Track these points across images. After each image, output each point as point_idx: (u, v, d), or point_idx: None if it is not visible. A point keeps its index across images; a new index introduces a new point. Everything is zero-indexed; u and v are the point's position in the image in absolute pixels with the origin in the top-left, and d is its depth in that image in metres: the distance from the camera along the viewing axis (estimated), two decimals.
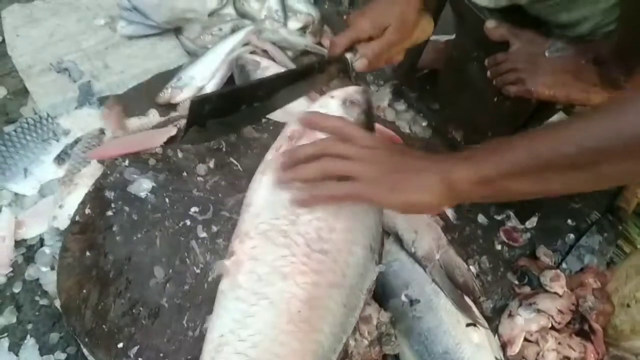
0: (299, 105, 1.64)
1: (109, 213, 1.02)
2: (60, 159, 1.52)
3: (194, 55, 1.77)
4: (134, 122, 1.53)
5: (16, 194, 1.49)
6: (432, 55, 1.77)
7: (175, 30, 1.82)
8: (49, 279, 1.38)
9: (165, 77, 1.71)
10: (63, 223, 1.36)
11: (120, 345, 0.90)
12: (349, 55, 1.07)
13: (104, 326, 0.92)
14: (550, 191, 0.85)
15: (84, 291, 0.95)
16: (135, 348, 0.90)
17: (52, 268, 1.38)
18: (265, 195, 0.93)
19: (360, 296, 0.96)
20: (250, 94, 1.01)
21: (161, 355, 0.90)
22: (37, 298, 1.38)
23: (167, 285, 0.96)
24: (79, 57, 1.73)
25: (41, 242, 1.43)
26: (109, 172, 1.07)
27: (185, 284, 0.96)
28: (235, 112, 1.00)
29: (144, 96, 1.68)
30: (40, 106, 1.62)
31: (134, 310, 0.93)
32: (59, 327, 1.35)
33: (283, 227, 0.90)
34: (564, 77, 1.34)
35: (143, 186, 1.04)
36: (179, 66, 1.76)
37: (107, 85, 1.70)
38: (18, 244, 1.43)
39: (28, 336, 1.33)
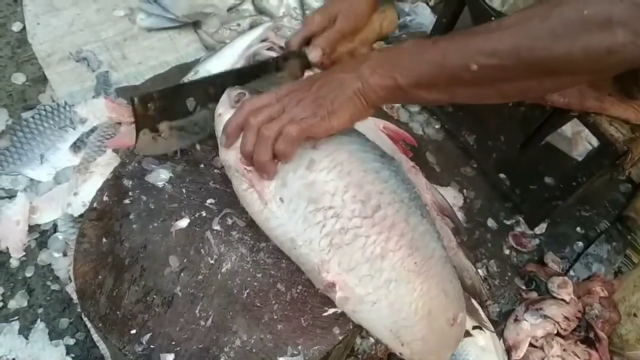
0: None
1: (127, 201, 1.03)
2: (76, 146, 1.54)
3: (211, 50, 1.78)
4: None
5: (31, 180, 1.51)
6: None
7: (194, 24, 1.83)
8: (61, 265, 1.40)
9: (182, 70, 1.73)
10: (77, 210, 1.38)
11: (133, 331, 0.91)
12: (307, 50, 1.06)
13: (117, 312, 0.93)
14: (457, 101, 0.92)
15: (100, 277, 0.95)
16: (148, 335, 0.91)
17: (65, 254, 1.41)
18: (293, 221, 0.92)
19: (415, 193, 1.00)
20: (201, 92, 0.96)
21: (173, 343, 0.91)
22: (48, 283, 1.40)
23: (181, 274, 0.96)
24: (97, 47, 1.75)
25: (54, 228, 1.45)
26: (127, 160, 1.08)
27: (199, 274, 0.97)
28: (187, 113, 0.96)
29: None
30: (59, 94, 1.64)
31: (147, 298, 0.94)
32: (69, 313, 1.37)
33: (336, 227, 0.90)
34: (578, 85, 1.34)
35: (161, 176, 1.05)
36: (196, 60, 1.77)
37: (124, 76, 1.71)
38: (31, 229, 1.45)
39: (38, 320, 1.35)
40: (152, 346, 0.90)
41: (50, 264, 1.42)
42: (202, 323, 0.93)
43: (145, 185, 1.05)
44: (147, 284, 0.95)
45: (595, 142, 1.66)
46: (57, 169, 1.51)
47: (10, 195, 1.47)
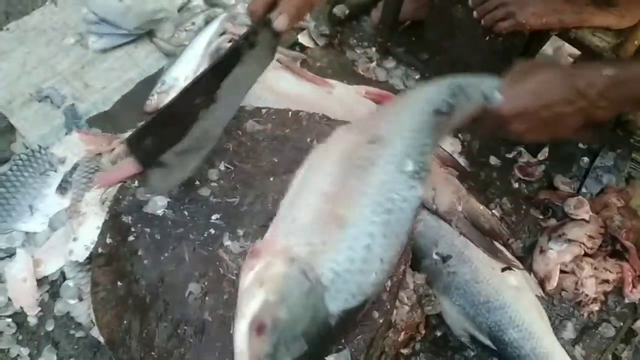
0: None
1: (131, 238, 0.99)
2: (62, 188, 1.48)
3: (172, 56, 1.72)
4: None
5: (27, 233, 1.46)
6: (412, 6, 1.72)
7: (148, 34, 1.76)
8: (80, 311, 1.36)
9: (148, 84, 1.67)
10: (81, 255, 1.33)
11: None
12: (271, 16, 0.96)
13: (152, 353, 0.90)
14: None
15: (125, 322, 0.93)
16: None
17: (80, 299, 1.37)
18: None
19: None
20: (188, 106, 0.91)
21: None
22: (72, 332, 1.37)
23: (206, 298, 0.94)
24: (57, 81, 1.68)
25: (63, 275, 1.40)
26: (120, 196, 1.04)
27: (224, 293, 0.94)
28: (185, 132, 0.91)
29: (132, 108, 1.64)
30: (30, 139, 1.58)
31: (179, 331, 0.91)
32: (100, 356, 1.34)
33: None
34: (554, 2, 1.30)
35: (158, 204, 1.01)
36: (159, 70, 1.71)
37: (91, 104, 1.65)
38: (40, 282, 1.40)
39: None
40: None
41: (68, 312, 1.38)
42: None
43: (146, 217, 1.01)
44: (175, 317, 0.93)
45: (577, 52, 1.63)
46: (49, 216, 1.46)
47: (10, 254, 1.42)
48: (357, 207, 0.89)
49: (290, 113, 1.16)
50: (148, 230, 1.00)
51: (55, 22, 1.80)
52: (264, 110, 1.16)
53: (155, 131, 0.87)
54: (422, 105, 1.01)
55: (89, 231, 1.32)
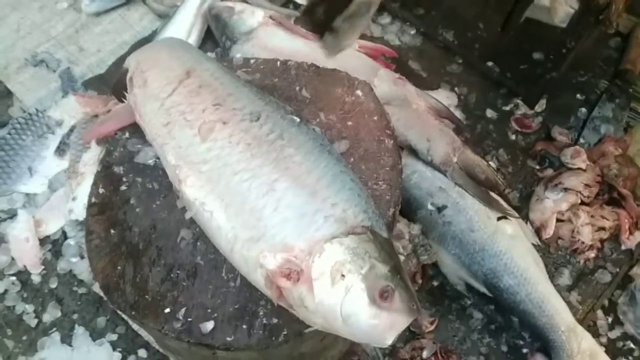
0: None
1: (123, 187, 1.00)
2: (60, 150, 1.50)
3: (165, 17, 1.71)
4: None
5: (27, 195, 1.49)
6: None
7: None
8: (82, 268, 1.39)
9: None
10: (80, 214, 1.36)
11: (167, 310, 0.90)
12: None
13: (146, 297, 0.92)
14: None
15: (119, 268, 0.94)
16: (183, 310, 0.90)
17: (82, 257, 1.40)
18: None
19: None
20: None
21: (209, 311, 0.90)
22: (75, 288, 1.40)
23: (198, 243, 0.95)
24: (51, 45, 1.69)
25: (64, 235, 1.43)
26: (112, 148, 1.05)
27: None
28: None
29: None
30: (27, 103, 1.60)
31: (172, 275, 0.93)
32: (103, 311, 1.37)
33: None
34: None
35: (149, 154, 1.02)
36: (153, 32, 1.71)
37: (87, 67, 1.66)
38: (42, 241, 1.43)
39: (76, 326, 1.35)
40: (189, 319, 0.90)
41: (71, 270, 1.41)
42: (232, 284, 0.92)
43: (137, 167, 1.02)
44: (167, 261, 0.94)
45: (576, 4, 1.61)
46: (48, 177, 1.49)
47: (11, 215, 1.45)
48: None
49: (278, 62, 1.16)
50: (139, 179, 1.01)
51: None
52: (252, 61, 1.16)
53: (324, 2, 0.97)
54: None
55: (87, 190, 1.33)
